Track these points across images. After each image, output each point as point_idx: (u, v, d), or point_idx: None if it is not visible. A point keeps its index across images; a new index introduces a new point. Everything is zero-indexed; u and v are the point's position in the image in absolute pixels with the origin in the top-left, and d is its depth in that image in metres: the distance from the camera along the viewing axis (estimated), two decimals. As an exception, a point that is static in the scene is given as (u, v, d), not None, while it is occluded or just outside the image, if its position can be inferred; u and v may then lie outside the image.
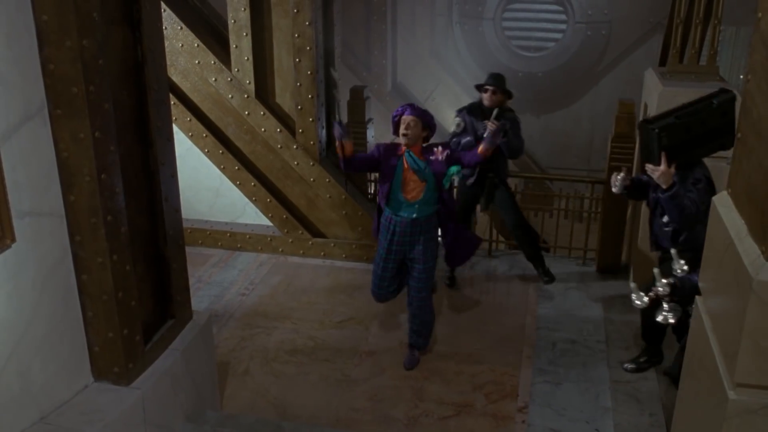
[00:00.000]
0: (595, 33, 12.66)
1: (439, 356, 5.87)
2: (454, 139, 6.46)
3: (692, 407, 4.44)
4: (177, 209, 4.36)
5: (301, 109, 7.14)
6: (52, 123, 3.46)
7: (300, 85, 7.05)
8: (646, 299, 4.85)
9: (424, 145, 5.32)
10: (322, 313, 6.56)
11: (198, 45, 7.12)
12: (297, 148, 7.29)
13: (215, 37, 7.47)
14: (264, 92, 7.32)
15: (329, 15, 7.29)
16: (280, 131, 7.26)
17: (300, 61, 6.94)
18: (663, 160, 4.88)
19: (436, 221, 5.48)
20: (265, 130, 7.30)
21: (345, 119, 7.57)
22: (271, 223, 7.68)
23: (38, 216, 3.47)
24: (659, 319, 4.85)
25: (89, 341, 3.93)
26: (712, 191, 5.12)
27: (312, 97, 7.05)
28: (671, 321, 4.84)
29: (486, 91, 6.40)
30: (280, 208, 7.54)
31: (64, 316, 3.75)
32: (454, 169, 5.31)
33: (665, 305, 4.84)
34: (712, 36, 6.30)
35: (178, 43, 7.12)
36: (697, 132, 4.99)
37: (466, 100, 13.17)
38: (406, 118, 5.16)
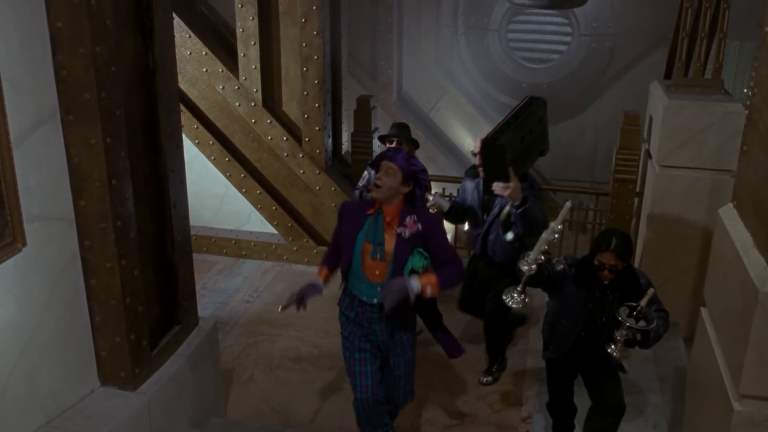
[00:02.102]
0: (600, 46, 12.69)
1: (443, 365, 5.87)
2: (356, 192, 5.99)
3: (697, 418, 4.46)
4: (185, 216, 4.39)
5: (308, 117, 7.18)
6: (63, 128, 3.50)
7: (307, 94, 7.08)
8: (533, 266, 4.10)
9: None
10: (326, 321, 6.57)
11: (206, 53, 7.16)
12: (303, 156, 7.32)
13: (223, 46, 7.50)
14: (271, 101, 7.35)
15: (336, 25, 7.33)
16: (287, 139, 7.29)
17: (307, 70, 6.97)
18: (512, 175, 4.65)
19: (410, 306, 4.13)
20: (271, 138, 7.33)
21: (351, 128, 7.59)
22: (276, 231, 7.70)
23: (48, 220, 3.51)
24: (505, 298, 4.30)
25: (96, 346, 3.96)
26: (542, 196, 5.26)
27: (319, 106, 7.09)
28: (512, 305, 4.28)
29: (391, 142, 5.73)
30: (286, 216, 7.56)
31: (71, 320, 3.78)
32: (417, 260, 4.00)
33: (517, 288, 4.27)
34: (717, 50, 6.32)
35: (187, 51, 7.16)
36: (528, 141, 4.98)
37: (470, 111, 13.27)
38: (386, 163, 4.01)
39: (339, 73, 7.53)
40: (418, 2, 12.34)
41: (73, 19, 3.31)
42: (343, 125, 7.83)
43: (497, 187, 4.66)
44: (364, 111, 7.30)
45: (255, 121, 7.29)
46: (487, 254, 5.32)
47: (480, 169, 4.95)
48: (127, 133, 3.72)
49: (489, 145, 4.69)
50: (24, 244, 3.32)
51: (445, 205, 5.20)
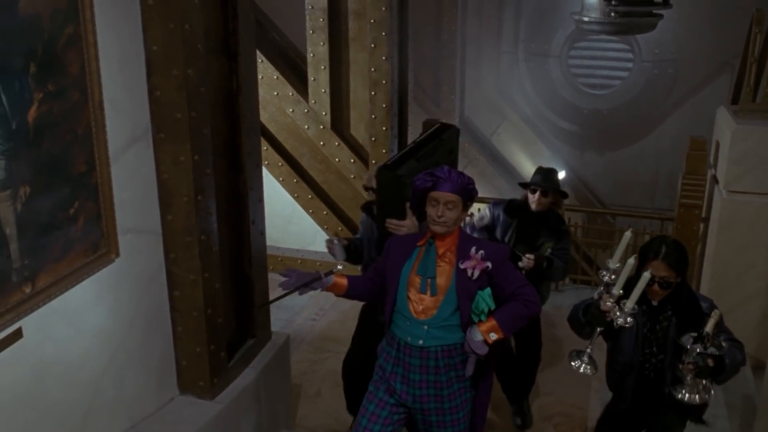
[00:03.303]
0: (662, 72, 12.68)
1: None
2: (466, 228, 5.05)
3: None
4: (262, 232, 4.54)
5: (375, 140, 7.33)
6: (155, 146, 3.69)
7: (374, 117, 7.24)
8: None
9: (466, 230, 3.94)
10: (390, 340, 6.66)
11: (277, 77, 7.38)
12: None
13: (293, 70, 7.73)
14: (339, 124, 7.53)
15: (404, 51, 7.49)
16: (354, 162, 7.45)
17: (375, 94, 7.14)
18: (408, 213, 4.01)
19: (463, 358, 3.57)
20: (339, 161, 7.50)
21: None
22: (341, 252, 7.83)
23: (138, 233, 3.69)
24: (574, 364, 3.66)
25: (177, 355, 4.11)
26: None
27: (386, 129, 7.24)
28: (586, 371, 3.62)
29: (534, 191, 4.94)
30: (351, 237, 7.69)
31: (155, 329, 3.94)
32: (484, 305, 3.49)
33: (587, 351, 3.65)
34: (787, 75, 6.31)
35: (259, 74, 7.35)
36: None
37: (530, 136, 13.32)
38: (444, 195, 3.47)
39: (405, 97, 7.67)
40: (480, 29, 12.50)
41: (168, 42, 3.50)
42: (408, 148, 7.96)
43: (391, 224, 4.03)
44: (429, 134, 7.42)
45: (323, 144, 7.47)
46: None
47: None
48: (212, 151, 3.90)
49: (386, 175, 4.09)
50: (117, 254, 3.50)
51: (341, 254, 4.61)
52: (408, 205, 3.95)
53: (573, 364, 3.64)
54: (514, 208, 5.03)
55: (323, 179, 7.67)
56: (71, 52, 3.05)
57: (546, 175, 4.97)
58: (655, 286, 3.52)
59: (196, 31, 3.58)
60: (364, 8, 6.97)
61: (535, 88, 13.47)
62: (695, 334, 3.38)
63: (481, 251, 3.45)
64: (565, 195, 5.16)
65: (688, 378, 3.42)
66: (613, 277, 3.51)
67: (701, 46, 12.15)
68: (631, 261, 3.47)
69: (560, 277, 5.13)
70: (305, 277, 3.71)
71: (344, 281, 3.75)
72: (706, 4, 11.83)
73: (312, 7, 7.12)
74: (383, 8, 6.86)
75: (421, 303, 3.51)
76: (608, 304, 3.46)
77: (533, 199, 4.90)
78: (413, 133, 7.90)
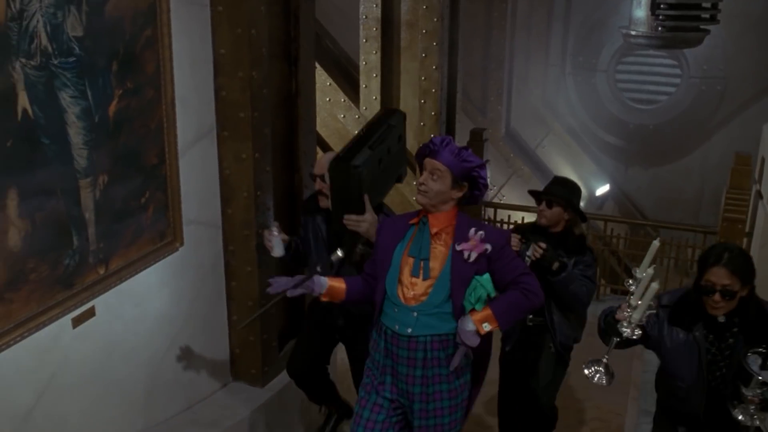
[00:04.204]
0: (710, 88, 12.66)
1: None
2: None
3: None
4: (314, 230, 4.74)
5: (423, 147, 7.50)
6: (218, 143, 3.92)
7: (423, 124, 7.41)
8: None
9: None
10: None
11: (330, 84, 7.60)
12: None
13: (345, 77, 7.94)
14: (388, 130, 7.71)
15: (453, 61, 7.66)
16: (401, 167, 7.63)
17: (425, 102, 7.31)
18: (367, 205, 3.56)
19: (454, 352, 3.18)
20: (386, 166, 7.68)
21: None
22: (385, 255, 7.99)
23: (200, 225, 3.92)
24: (589, 374, 3.28)
25: (231, 343, 4.33)
26: None
27: (434, 136, 7.40)
28: (603, 383, 3.25)
29: (539, 202, 4.14)
30: (396, 242, 7.85)
31: (212, 317, 4.17)
32: (483, 291, 3.10)
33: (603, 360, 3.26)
34: (834, 93, 6.35)
35: (311, 81, 7.63)
36: (386, 163, 3.85)
37: (575, 150, 13.38)
38: (431, 162, 3.15)
39: (453, 106, 7.82)
40: (528, 42, 12.62)
41: (235, 46, 3.74)
42: (455, 156, 8.10)
43: (350, 220, 3.53)
44: (477, 143, 7.58)
45: (372, 149, 7.66)
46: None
47: (323, 198, 3.97)
48: (271, 150, 4.12)
49: (340, 167, 3.63)
50: (182, 244, 3.73)
51: (279, 249, 3.90)
52: (366, 197, 3.60)
53: (586, 371, 3.28)
54: (523, 231, 4.27)
55: (371, 184, 7.84)
56: (148, 53, 3.29)
57: (556, 184, 4.21)
58: (716, 296, 3.04)
59: (261, 37, 3.81)
60: (417, 19, 7.16)
61: (582, 101, 13.54)
62: (764, 351, 2.96)
63: (481, 232, 3.11)
64: (582, 217, 4.21)
65: (752, 407, 3.01)
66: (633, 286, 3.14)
67: (750, 63, 12.12)
68: (651, 271, 3.08)
69: (582, 300, 4.18)
70: (289, 282, 3.33)
71: (342, 285, 3.33)
72: (756, 23, 11.81)
73: (366, 17, 7.32)
74: (435, 19, 7.04)
75: (412, 288, 3.14)
76: (625, 313, 3.11)
77: (539, 211, 4.14)
78: (460, 142, 8.05)
